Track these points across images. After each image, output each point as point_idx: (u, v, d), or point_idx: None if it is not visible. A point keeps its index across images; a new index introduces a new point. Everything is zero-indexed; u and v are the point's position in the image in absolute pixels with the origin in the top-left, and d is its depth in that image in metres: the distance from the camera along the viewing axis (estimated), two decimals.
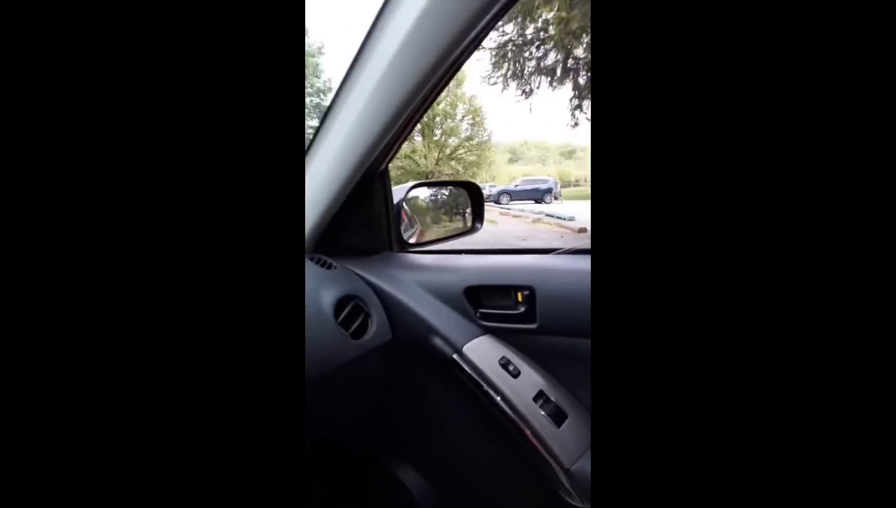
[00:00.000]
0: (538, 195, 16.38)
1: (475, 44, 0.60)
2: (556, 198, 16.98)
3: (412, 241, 0.86)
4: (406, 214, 0.90)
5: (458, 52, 0.58)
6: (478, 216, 0.86)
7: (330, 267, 0.76)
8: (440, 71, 0.60)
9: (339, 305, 0.70)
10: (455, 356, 0.72)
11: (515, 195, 16.33)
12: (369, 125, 0.64)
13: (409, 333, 0.75)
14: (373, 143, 0.66)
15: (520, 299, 0.73)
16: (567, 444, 0.68)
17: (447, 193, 0.93)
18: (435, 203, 0.92)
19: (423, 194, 0.90)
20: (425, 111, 0.68)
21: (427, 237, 0.91)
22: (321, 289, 0.70)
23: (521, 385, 0.70)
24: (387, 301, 0.76)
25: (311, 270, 0.74)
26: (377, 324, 0.73)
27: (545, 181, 17.83)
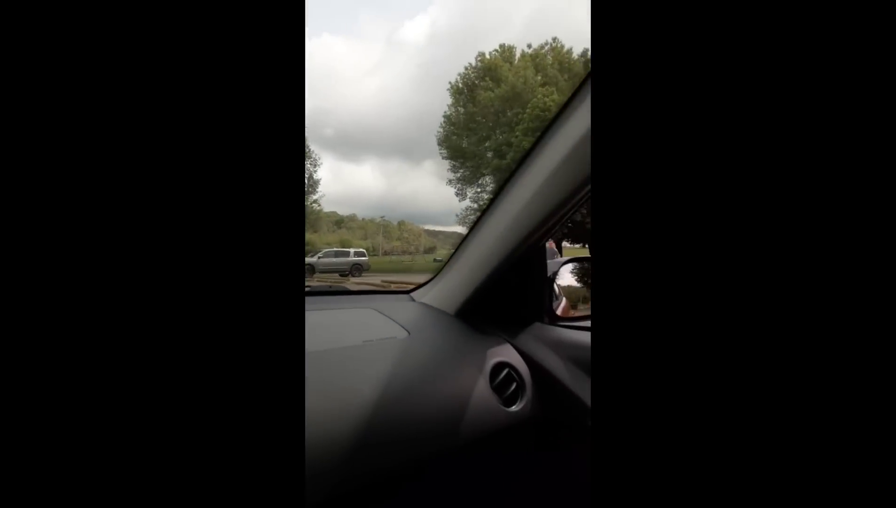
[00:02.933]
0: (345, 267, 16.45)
1: None
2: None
3: (559, 313, 0.86)
4: (557, 287, 0.91)
5: None
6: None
7: (484, 332, 0.80)
8: None
9: (494, 370, 0.72)
10: None
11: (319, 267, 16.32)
12: (542, 204, 0.69)
13: (561, 409, 0.73)
14: (541, 220, 0.70)
15: None
16: None
17: None
18: (584, 279, 0.92)
19: (576, 268, 0.90)
20: (587, 199, 0.71)
21: (575, 313, 0.89)
22: (477, 351, 0.73)
23: None
24: (539, 374, 0.75)
25: (468, 332, 0.78)
26: (529, 395, 0.73)
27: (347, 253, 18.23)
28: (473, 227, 0.80)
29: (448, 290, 0.85)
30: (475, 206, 23.27)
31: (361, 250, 20.55)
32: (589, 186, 0.67)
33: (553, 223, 0.73)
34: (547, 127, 0.67)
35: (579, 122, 0.61)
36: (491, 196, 0.78)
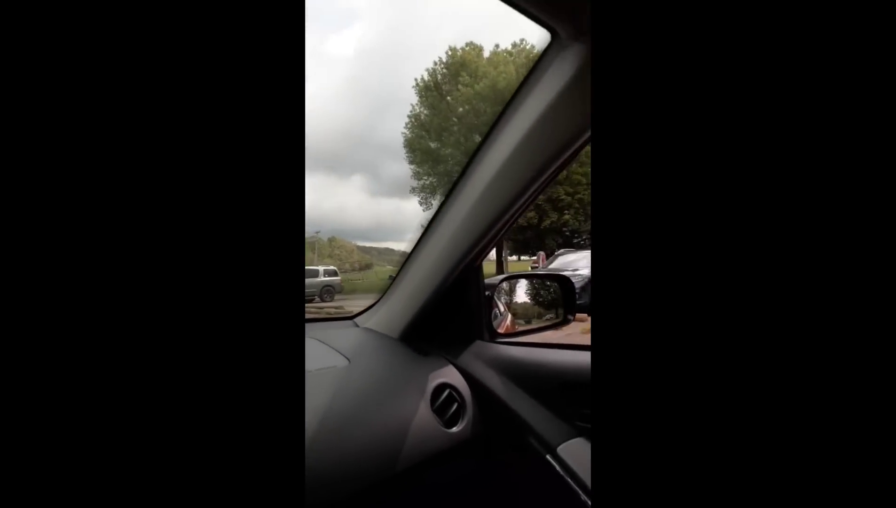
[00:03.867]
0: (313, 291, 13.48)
1: (571, 158, 0.66)
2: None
3: (501, 330, 0.88)
4: (496, 304, 0.93)
5: (562, 158, 0.64)
6: (570, 309, 0.86)
7: (426, 353, 0.81)
8: (545, 175, 0.66)
9: (436, 392, 0.73)
10: (549, 456, 0.69)
11: None
12: (475, 225, 0.71)
13: (502, 427, 0.74)
14: (476, 241, 0.73)
15: None
16: None
17: (538, 285, 0.95)
18: (527, 295, 0.95)
19: (514, 285, 0.93)
20: (526, 208, 0.74)
21: (517, 328, 0.92)
22: (417, 374, 0.74)
23: None
24: (480, 393, 0.77)
25: (409, 355, 0.79)
26: (470, 415, 0.74)
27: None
28: (414, 249, 0.81)
29: (391, 313, 0.85)
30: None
31: (332, 267, 17.09)
32: (521, 203, 0.69)
33: (489, 240, 0.75)
34: (479, 146, 0.70)
35: (509, 138, 0.63)
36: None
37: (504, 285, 0.89)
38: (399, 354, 0.78)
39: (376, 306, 0.90)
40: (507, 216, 0.71)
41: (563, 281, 0.88)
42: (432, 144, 20.26)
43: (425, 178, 20.94)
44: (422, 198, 21.32)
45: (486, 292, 0.84)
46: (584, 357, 0.78)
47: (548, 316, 0.89)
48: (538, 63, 0.60)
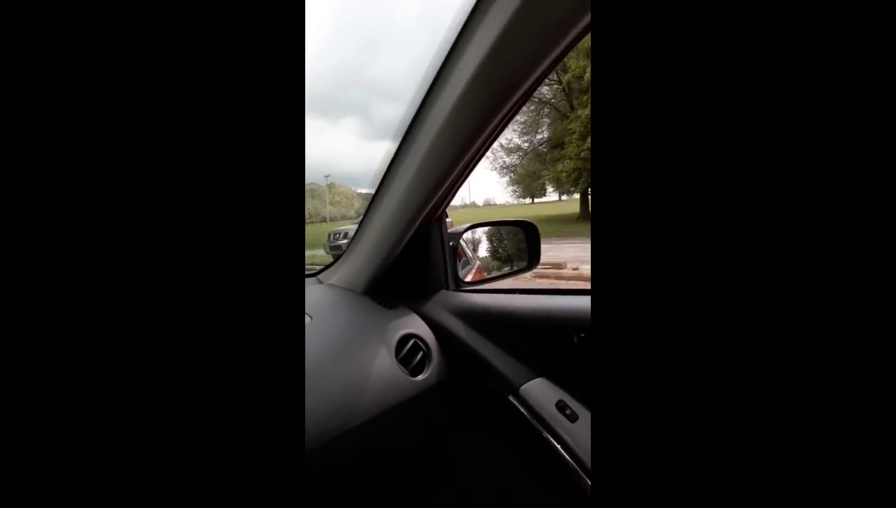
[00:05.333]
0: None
1: (523, 99, 0.62)
2: None
3: (469, 278, 0.88)
4: (464, 251, 0.93)
5: (506, 107, 0.61)
6: (534, 254, 0.86)
7: (391, 306, 0.81)
8: (491, 125, 0.63)
9: (400, 342, 0.74)
10: (511, 397, 0.72)
11: None
12: (429, 177, 0.68)
13: (467, 372, 0.77)
14: (431, 192, 0.70)
15: (576, 341, 0.72)
16: None
17: (503, 232, 0.95)
18: (491, 241, 0.94)
19: (480, 232, 0.92)
20: (478, 162, 0.71)
21: (484, 275, 0.93)
22: (382, 327, 0.75)
23: (578, 430, 0.68)
24: (445, 340, 0.78)
25: (373, 308, 0.79)
26: (436, 363, 0.76)
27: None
28: (371, 203, 0.79)
29: (354, 268, 0.84)
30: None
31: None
32: (474, 149, 0.66)
33: (448, 190, 0.73)
34: (427, 92, 0.65)
35: (457, 80, 0.59)
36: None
37: (468, 234, 0.88)
38: (362, 308, 0.78)
39: (338, 262, 0.89)
40: (461, 164, 0.68)
41: (527, 227, 0.88)
42: None
43: None
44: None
45: (451, 243, 0.83)
46: (547, 301, 0.80)
47: (514, 262, 0.89)
48: (478, 2, 0.54)
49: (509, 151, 19.57)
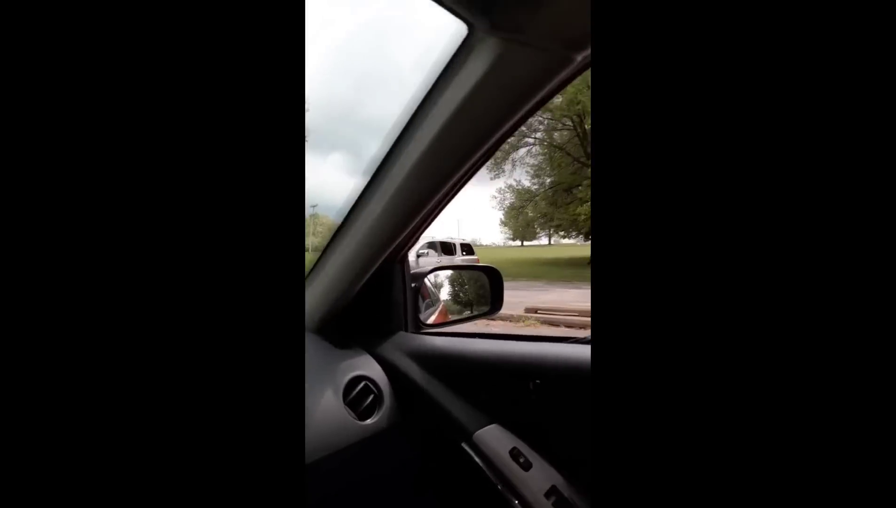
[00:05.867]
0: None
1: (490, 151, 0.65)
2: None
3: (432, 320, 0.88)
4: (429, 293, 0.93)
5: (473, 158, 0.63)
6: (497, 299, 0.86)
7: (343, 346, 0.81)
8: (457, 174, 0.65)
9: (350, 385, 0.73)
10: (464, 444, 0.70)
11: None
12: (394, 217, 0.70)
13: (420, 417, 0.75)
14: (395, 233, 0.72)
15: (531, 387, 0.71)
16: None
17: (467, 276, 0.95)
18: (454, 285, 0.95)
19: (443, 277, 0.93)
20: (447, 204, 0.73)
21: (449, 317, 0.92)
22: (331, 368, 0.74)
23: (532, 479, 0.66)
24: (399, 383, 0.77)
25: (323, 348, 0.79)
26: (387, 406, 0.74)
27: None
28: (332, 239, 0.80)
29: (307, 306, 0.85)
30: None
31: (467, 241, 12.38)
32: (438, 198, 0.68)
33: (409, 235, 0.74)
34: (396, 140, 0.68)
35: (426, 132, 0.61)
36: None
37: (432, 277, 0.89)
38: (311, 346, 0.78)
39: None
40: (425, 212, 0.70)
41: (491, 272, 0.88)
42: None
43: None
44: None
45: (414, 284, 0.84)
46: (505, 346, 0.79)
47: (476, 307, 0.89)
48: (455, 56, 0.58)
49: (518, 193, 19.83)
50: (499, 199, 20.93)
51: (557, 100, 15.04)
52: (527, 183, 19.22)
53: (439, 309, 0.94)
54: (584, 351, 0.72)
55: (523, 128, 17.90)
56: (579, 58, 0.51)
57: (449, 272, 0.92)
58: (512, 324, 5.37)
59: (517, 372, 0.72)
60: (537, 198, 17.79)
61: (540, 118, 16.91)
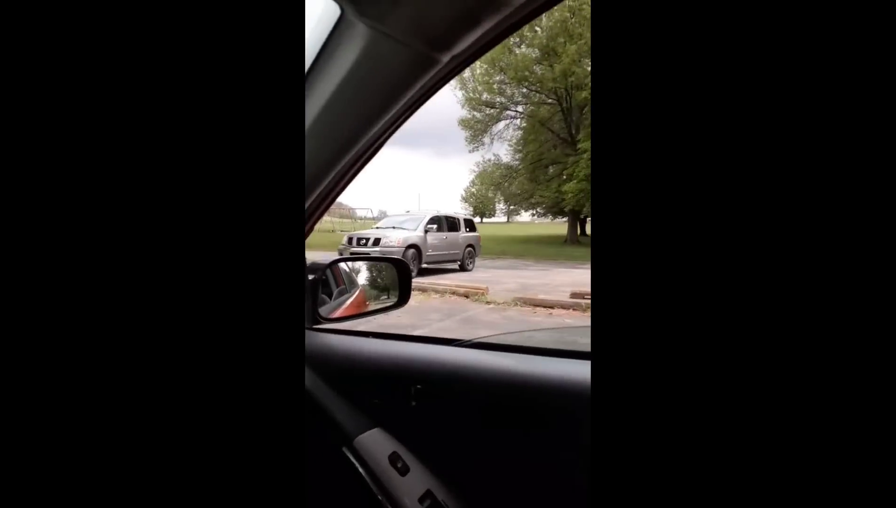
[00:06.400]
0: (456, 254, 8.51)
1: (379, 139, 0.60)
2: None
3: (338, 313, 0.84)
4: (343, 280, 0.89)
5: (358, 146, 0.60)
6: (404, 292, 0.83)
7: None
8: (344, 160, 0.62)
9: None
10: (345, 448, 0.69)
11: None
12: None
13: (306, 421, 0.73)
14: None
15: (412, 392, 0.70)
16: None
17: (372, 268, 0.91)
18: (373, 271, 0.91)
19: (348, 268, 0.88)
20: (335, 197, 0.68)
21: (368, 305, 0.89)
22: None
23: (408, 484, 0.67)
24: None
25: None
26: None
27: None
28: None
29: None
30: None
31: (468, 215, 10.70)
32: (326, 186, 0.64)
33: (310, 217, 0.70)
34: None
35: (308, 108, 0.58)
36: None
37: (334, 267, 0.84)
38: None
39: None
40: (309, 205, 0.66)
41: (398, 264, 0.85)
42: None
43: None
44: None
45: (311, 276, 0.79)
46: (396, 347, 0.76)
47: (382, 299, 0.86)
48: (329, 37, 0.54)
49: (497, 167, 19.71)
50: (477, 172, 20.81)
51: (548, 72, 14.58)
52: (506, 159, 19.10)
53: (354, 296, 0.89)
54: (466, 355, 0.71)
55: (502, 98, 17.52)
56: (445, 59, 0.50)
57: (354, 264, 0.87)
58: (565, 312, 4.85)
59: (402, 375, 0.70)
60: (523, 173, 17.64)
61: (525, 90, 16.57)
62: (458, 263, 8.58)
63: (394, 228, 8.13)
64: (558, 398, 0.61)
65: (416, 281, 6.24)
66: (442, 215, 8.83)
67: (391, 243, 7.36)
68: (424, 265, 7.87)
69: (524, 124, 17.24)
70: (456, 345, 0.75)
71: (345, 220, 20.25)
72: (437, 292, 6.02)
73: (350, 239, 8.11)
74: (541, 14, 0.53)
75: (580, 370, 0.62)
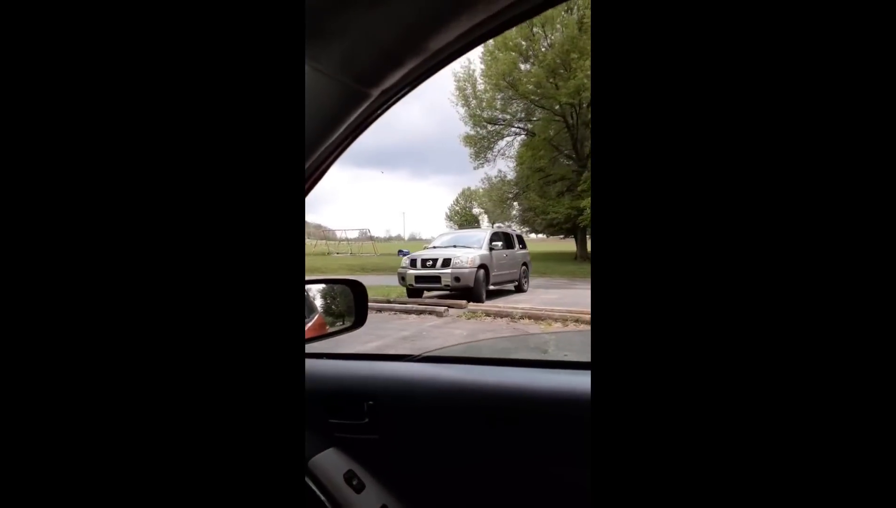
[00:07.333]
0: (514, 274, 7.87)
1: (319, 173, 0.63)
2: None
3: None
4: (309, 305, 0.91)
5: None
6: (360, 314, 0.85)
7: None
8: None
9: None
10: None
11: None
12: None
13: None
14: None
15: (365, 408, 0.71)
16: None
17: (329, 290, 0.94)
18: (327, 298, 0.93)
19: (310, 289, 0.91)
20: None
21: (322, 330, 0.91)
22: None
23: (363, 501, 0.68)
24: None
25: None
26: None
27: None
28: None
29: None
30: None
31: (517, 230, 10.19)
32: None
33: None
34: None
35: None
36: None
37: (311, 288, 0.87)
38: None
39: None
40: None
41: (354, 286, 0.87)
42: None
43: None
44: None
45: None
46: (345, 367, 0.78)
47: (340, 321, 0.88)
48: None
49: (506, 183, 19.71)
50: (487, 188, 20.78)
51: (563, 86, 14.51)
52: (511, 175, 19.09)
53: (313, 320, 0.92)
54: (415, 369, 0.72)
55: (505, 115, 17.53)
56: (376, 94, 0.54)
57: (312, 286, 0.90)
58: None
59: (355, 393, 0.72)
60: (532, 189, 17.58)
61: (534, 106, 16.59)
62: (515, 283, 8.01)
63: (454, 246, 7.48)
64: (503, 403, 0.64)
65: (500, 307, 5.76)
66: (500, 231, 8.35)
67: (463, 264, 6.79)
68: (491, 287, 7.22)
69: (530, 140, 17.31)
70: (406, 360, 0.76)
71: (340, 242, 20.24)
72: (554, 319, 5.22)
73: (413, 261, 7.18)
74: (463, 55, 0.57)
75: (521, 377, 0.66)
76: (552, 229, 18.11)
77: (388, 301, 6.66)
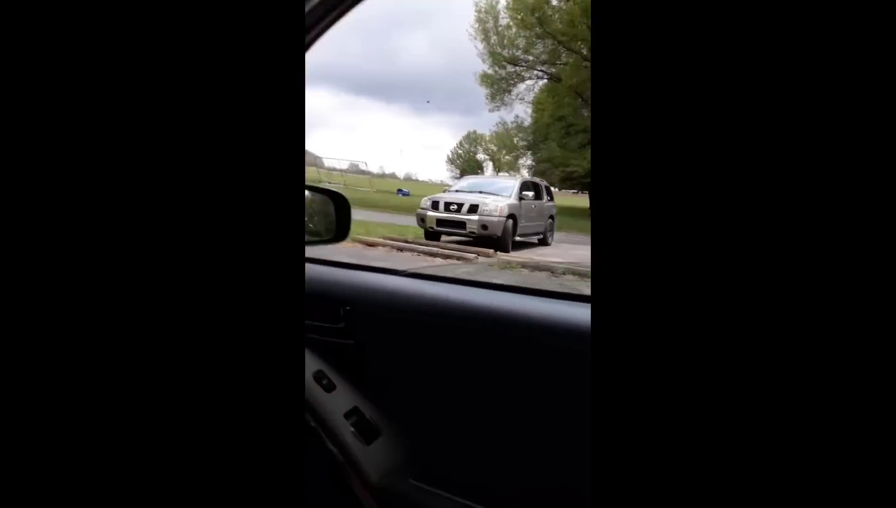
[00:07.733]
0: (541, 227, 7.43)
1: None
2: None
3: None
4: None
5: None
6: (343, 227, 0.84)
7: None
8: None
9: None
10: None
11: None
12: None
13: None
14: None
15: (341, 313, 0.72)
16: (376, 461, 0.67)
17: (311, 199, 0.92)
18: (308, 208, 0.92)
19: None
20: None
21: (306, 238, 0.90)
22: None
23: (333, 400, 0.69)
24: None
25: None
26: None
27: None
28: None
29: None
30: None
31: (542, 180, 9.19)
32: None
33: None
34: None
35: None
36: None
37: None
38: None
39: None
40: None
41: (336, 197, 0.85)
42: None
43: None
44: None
45: None
46: (316, 271, 0.78)
47: (321, 232, 0.87)
48: None
49: (521, 128, 18.97)
50: (498, 131, 20.10)
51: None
52: (528, 122, 18.32)
53: None
54: (399, 282, 0.72)
55: (528, 56, 16.44)
56: None
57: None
58: None
59: (332, 298, 0.72)
60: (553, 137, 16.90)
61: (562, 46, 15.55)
62: (540, 236, 7.60)
63: (481, 192, 6.97)
64: (490, 325, 0.64)
65: (535, 259, 5.47)
66: (530, 180, 7.96)
67: (491, 212, 6.38)
68: (517, 238, 6.83)
69: (554, 85, 16.40)
70: (391, 274, 0.76)
71: (331, 172, 19.89)
72: None
73: (435, 203, 6.73)
74: None
75: (512, 302, 0.66)
76: (568, 182, 17.66)
77: (407, 241, 6.37)
